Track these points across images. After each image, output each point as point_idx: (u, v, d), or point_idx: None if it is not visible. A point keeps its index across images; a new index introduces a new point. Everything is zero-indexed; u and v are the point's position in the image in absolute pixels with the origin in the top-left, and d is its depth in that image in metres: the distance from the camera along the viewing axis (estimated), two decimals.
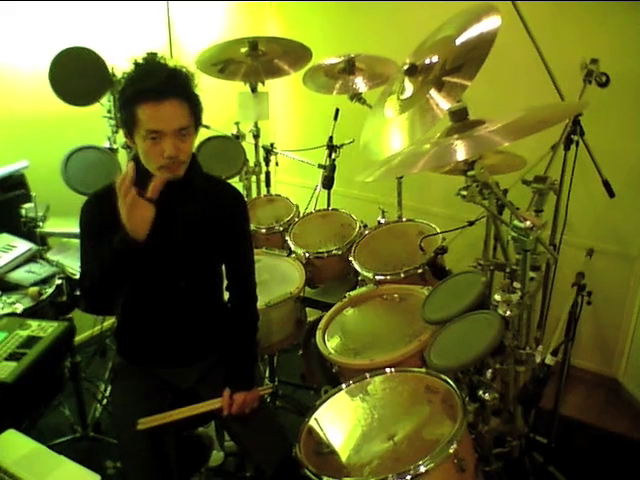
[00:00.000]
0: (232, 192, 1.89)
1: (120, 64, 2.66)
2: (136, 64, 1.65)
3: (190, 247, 1.77)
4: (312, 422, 1.69)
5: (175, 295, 1.81)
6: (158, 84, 1.57)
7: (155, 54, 1.67)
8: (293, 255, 2.62)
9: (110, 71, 2.62)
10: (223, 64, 2.82)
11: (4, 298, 2.11)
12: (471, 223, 2.16)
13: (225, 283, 1.96)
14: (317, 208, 3.00)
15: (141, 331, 1.88)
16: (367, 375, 1.80)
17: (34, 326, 1.91)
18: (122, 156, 2.78)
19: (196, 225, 1.78)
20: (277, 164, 3.19)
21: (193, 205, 1.76)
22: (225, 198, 1.86)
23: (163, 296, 1.81)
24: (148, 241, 1.60)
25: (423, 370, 1.74)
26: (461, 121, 1.59)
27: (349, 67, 2.75)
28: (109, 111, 2.71)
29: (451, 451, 1.42)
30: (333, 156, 2.89)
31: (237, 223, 1.88)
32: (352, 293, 2.27)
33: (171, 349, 1.86)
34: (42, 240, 2.45)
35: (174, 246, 1.75)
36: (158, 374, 1.87)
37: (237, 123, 3.03)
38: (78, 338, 2.24)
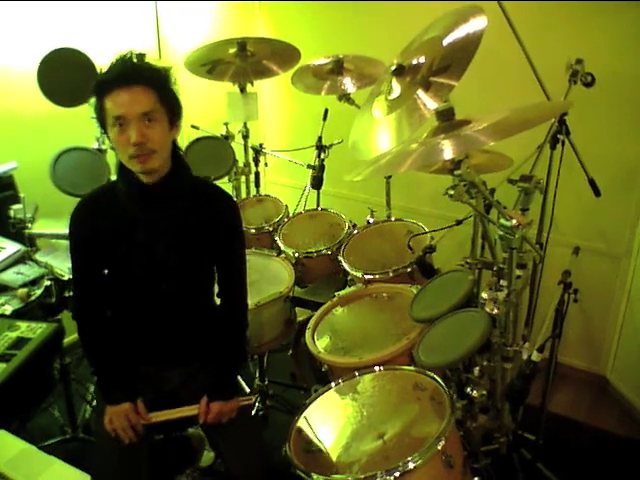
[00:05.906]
0: (223, 196, 1.84)
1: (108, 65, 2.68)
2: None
3: (174, 251, 1.75)
4: (302, 421, 1.69)
5: (160, 297, 1.79)
6: (121, 73, 1.59)
7: (124, 55, 1.67)
8: (282, 255, 2.63)
9: (98, 72, 2.61)
10: (212, 64, 2.82)
11: None
12: (459, 222, 2.18)
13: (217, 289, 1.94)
14: (306, 208, 3.02)
15: (125, 330, 1.85)
16: (356, 373, 1.81)
17: (23, 327, 1.91)
18: (111, 157, 2.77)
19: (181, 228, 1.75)
20: (266, 164, 3.21)
21: (179, 208, 1.74)
22: (216, 202, 1.82)
23: (148, 298, 1.80)
24: (134, 245, 1.62)
25: (412, 368, 1.75)
26: (448, 121, 1.61)
27: (337, 68, 2.76)
28: None
29: (439, 448, 1.43)
30: (322, 156, 2.91)
31: (228, 228, 1.83)
32: (341, 292, 2.29)
33: (154, 350, 1.85)
34: (31, 241, 2.44)
35: (158, 249, 1.73)
36: (140, 374, 1.84)
37: (226, 123, 3.03)
38: (67, 339, 2.22)
